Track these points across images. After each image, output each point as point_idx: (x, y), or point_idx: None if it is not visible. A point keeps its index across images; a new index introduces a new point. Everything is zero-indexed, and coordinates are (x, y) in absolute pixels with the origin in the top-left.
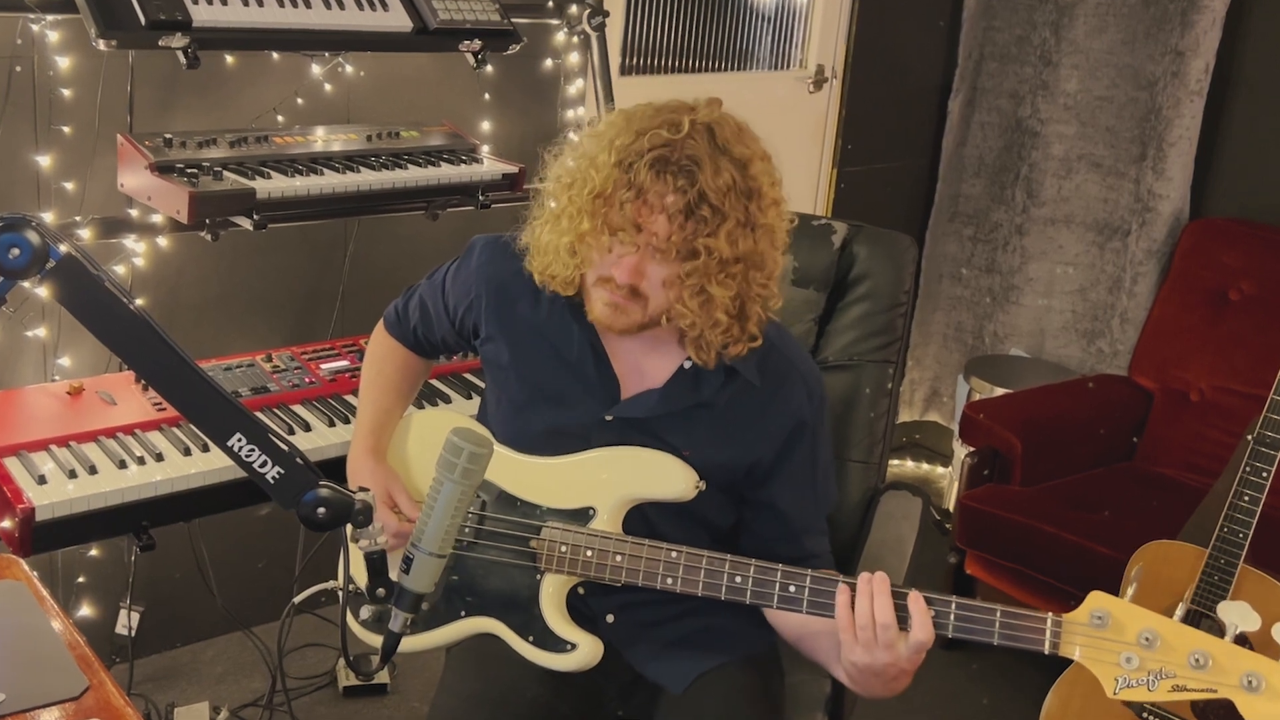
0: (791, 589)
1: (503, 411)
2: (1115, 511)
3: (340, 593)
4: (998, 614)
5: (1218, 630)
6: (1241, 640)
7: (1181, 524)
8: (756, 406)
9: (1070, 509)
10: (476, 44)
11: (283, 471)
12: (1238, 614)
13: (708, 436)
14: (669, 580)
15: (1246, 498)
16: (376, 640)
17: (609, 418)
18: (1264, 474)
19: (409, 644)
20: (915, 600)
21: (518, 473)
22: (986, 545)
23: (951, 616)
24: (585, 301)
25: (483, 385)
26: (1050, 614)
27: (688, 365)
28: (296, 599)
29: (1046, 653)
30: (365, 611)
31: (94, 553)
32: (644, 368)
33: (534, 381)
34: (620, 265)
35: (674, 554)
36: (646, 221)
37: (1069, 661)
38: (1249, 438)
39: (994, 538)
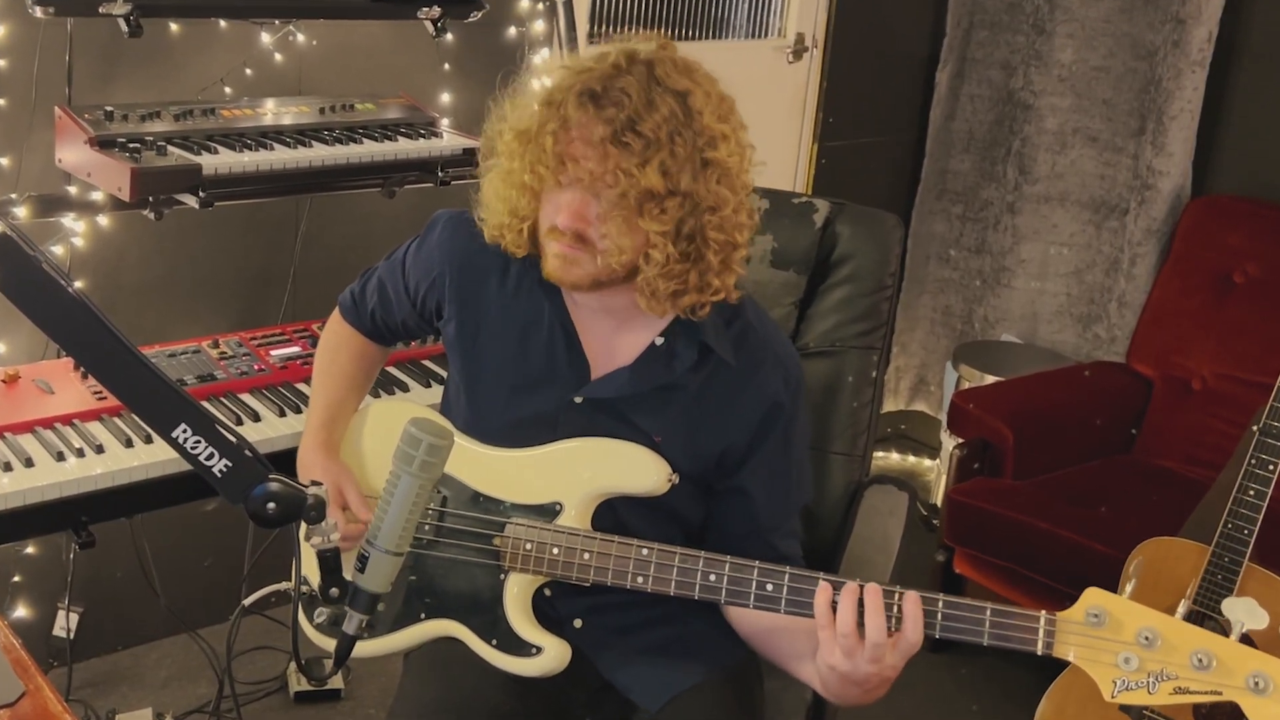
0: (769, 587)
1: (466, 397)
2: (1113, 507)
3: (292, 593)
4: (988, 612)
5: (1222, 630)
6: (1248, 640)
7: (1183, 520)
8: (731, 389)
9: (1065, 504)
10: (435, 10)
11: (230, 464)
12: (1244, 611)
13: (680, 421)
14: (640, 579)
15: (1252, 492)
16: (330, 643)
17: (578, 400)
18: (1270, 467)
19: (365, 648)
20: (911, 602)
21: (480, 466)
22: (976, 542)
23: (939, 615)
24: (541, 258)
25: (443, 374)
26: (1044, 612)
27: (659, 342)
28: (246, 600)
29: (1040, 653)
30: (319, 613)
31: (30, 550)
32: (614, 347)
33: (499, 364)
34: (562, 210)
35: (645, 551)
36: (577, 154)
37: (1063, 665)
38: (1254, 429)
39: (984, 534)
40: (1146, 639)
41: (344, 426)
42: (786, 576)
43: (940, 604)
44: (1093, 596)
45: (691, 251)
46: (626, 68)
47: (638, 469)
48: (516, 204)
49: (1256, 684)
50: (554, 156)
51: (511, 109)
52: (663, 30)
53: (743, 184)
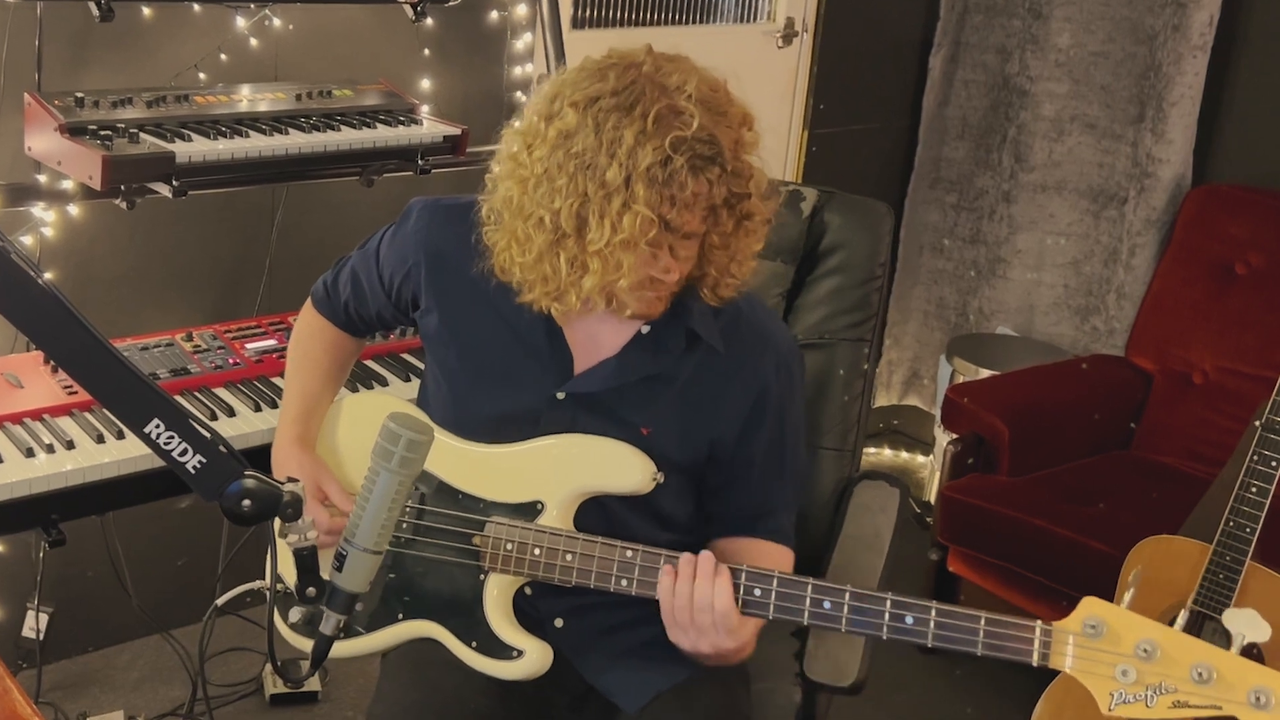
0: (756, 592)
1: (444, 393)
2: (1111, 504)
3: (268, 593)
4: (981, 622)
5: (1222, 634)
6: (1249, 651)
7: (1183, 518)
8: (721, 377)
9: (1062, 501)
10: None
11: (204, 460)
12: (1245, 623)
13: (669, 412)
14: (623, 582)
15: (1254, 489)
16: (307, 644)
17: (561, 395)
18: (1273, 463)
19: (342, 649)
20: (706, 560)
21: (460, 462)
22: (971, 540)
23: (931, 624)
24: (615, 303)
25: (422, 367)
26: (1039, 622)
27: (645, 330)
28: (220, 600)
29: (1035, 664)
30: (295, 613)
31: None
32: (598, 338)
33: (479, 358)
34: (672, 268)
35: (629, 553)
36: (688, 222)
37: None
38: (1257, 424)
39: (979, 532)
40: (1145, 651)
41: (319, 420)
42: (775, 582)
43: (932, 613)
44: (1090, 606)
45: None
46: (697, 111)
47: (622, 467)
48: (615, 270)
49: (1258, 699)
50: (677, 230)
51: (566, 165)
52: (649, 15)
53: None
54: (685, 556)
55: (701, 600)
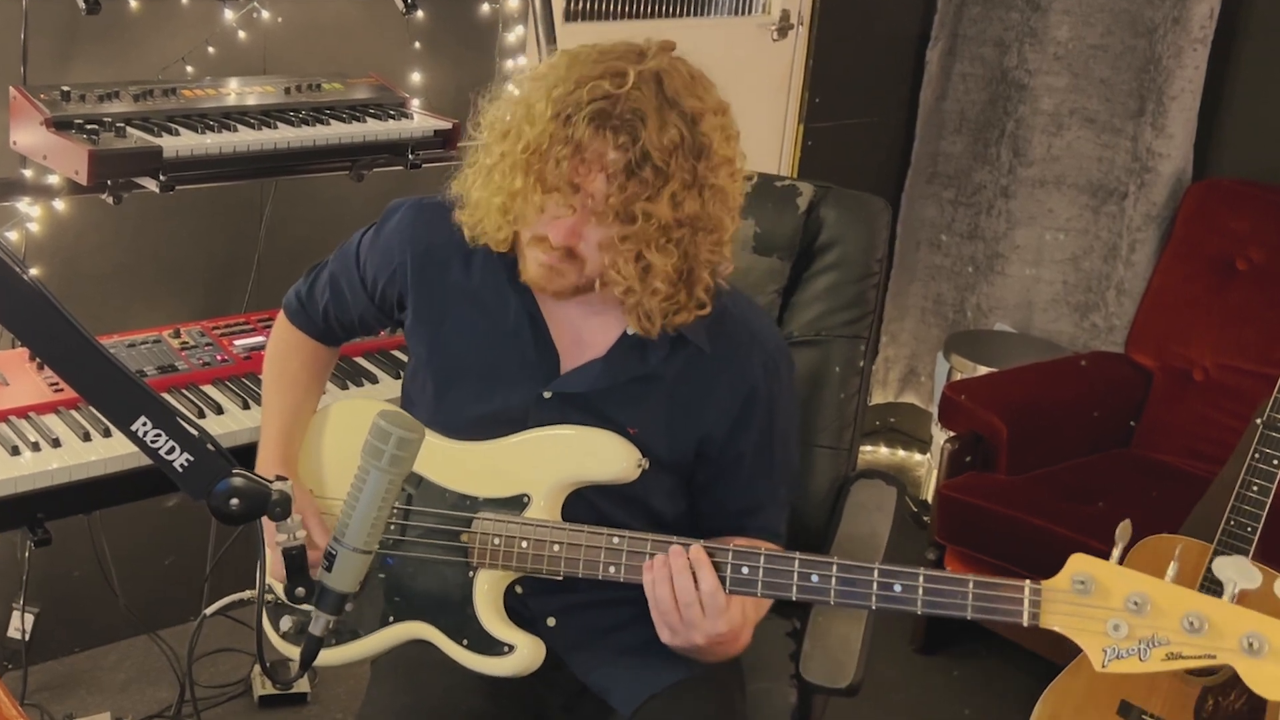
0: (744, 570)
1: (429, 392)
2: (1110, 503)
3: (256, 594)
4: (970, 584)
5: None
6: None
7: (1184, 516)
8: (708, 376)
9: (1061, 500)
10: None
11: (192, 459)
12: (1235, 570)
13: (656, 412)
14: (611, 569)
15: (1255, 488)
16: (297, 652)
17: (547, 395)
18: (1274, 461)
19: (332, 656)
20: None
21: (445, 460)
22: (968, 539)
23: (919, 591)
24: (519, 261)
25: None
26: (1028, 581)
27: (631, 331)
28: (208, 611)
29: (1025, 624)
30: (286, 622)
31: None
32: (584, 337)
33: (465, 358)
34: (555, 226)
35: (615, 539)
36: (584, 181)
37: (1058, 668)
38: (1258, 421)
39: (977, 531)
40: (1135, 604)
41: (301, 437)
42: (762, 558)
43: (920, 579)
44: (1078, 563)
45: (685, 271)
46: (636, 81)
47: (605, 455)
48: (517, 213)
49: (1250, 645)
50: (566, 182)
51: (508, 109)
52: (643, 7)
53: (737, 201)
54: (659, 558)
55: (685, 594)
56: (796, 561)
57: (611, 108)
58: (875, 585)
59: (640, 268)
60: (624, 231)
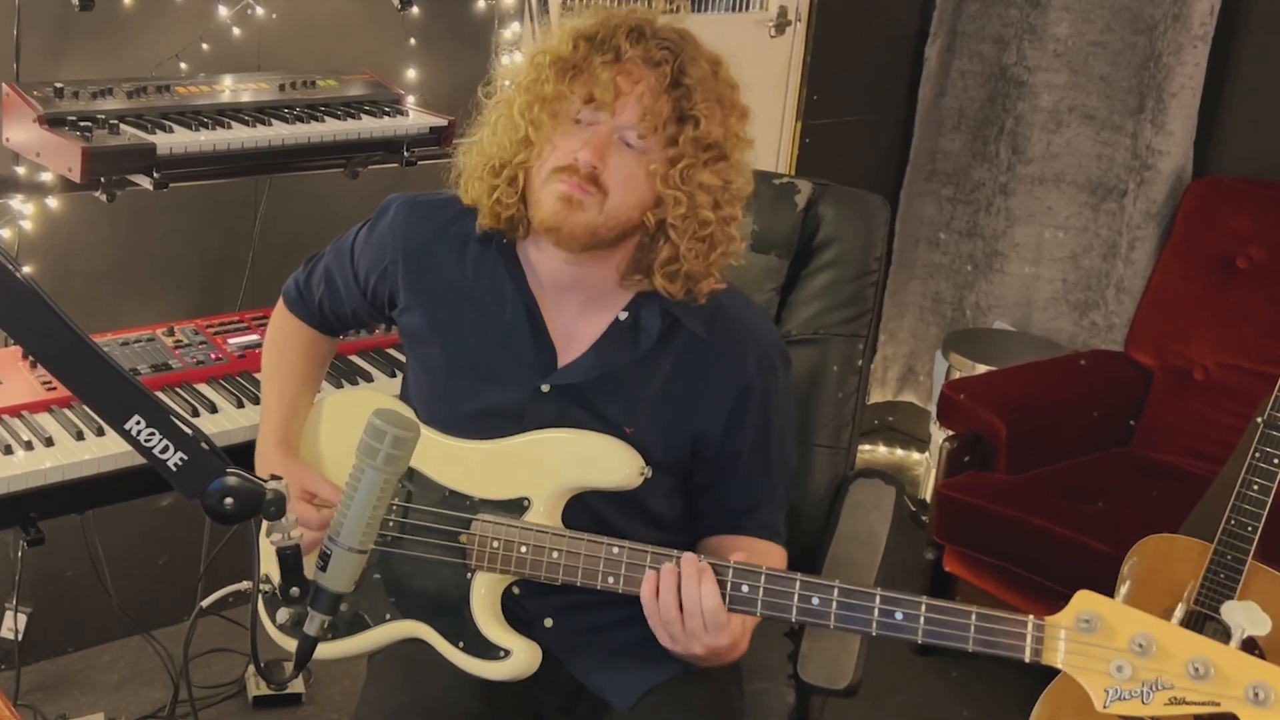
0: (745, 589)
1: (426, 389)
2: (1110, 502)
3: (251, 593)
4: (973, 617)
5: (1223, 634)
6: (1249, 646)
7: (1184, 516)
8: (704, 368)
9: (1060, 499)
10: None
11: (186, 458)
12: (1245, 616)
13: (651, 408)
14: (610, 579)
15: (1256, 487)
16: (293, 645)
17: (545, 388)
18: (1275, 460)
19: (327, 650)
20: (687, 562)
21: (446, 458)
22: (967, 539)
23: (921, 620)
24: (532, 207)
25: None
26: (1031, 617)
27: (624, 317)
28: (205, 602)
29: (1028, 660)
30: (283, 614)
31: None
32: (579, 330)
33: (460, 353)
34: (587, 143)
35: (616, 550)
36: (625, 89)
37: (1057, 670)
38: (1258, 420)
39: (976, 531)
40: (1140, 646)
41: (301, 423)
42: (763, 578)
43: (923, 608)
44: (1084, 600)
45: (714, 226)
46: (667, 21)
47: (609, 462)
48: (541, 125)
49: (1256, 694)
50: (608, 86)
51: (524, 63)
52: (640, 3)
53: (749, 170)
54: (667, 567)
55: (690, 604)
56: (798, 583)
57: (648, 30)
58: (876, 611)
59: (689, 192)
60: (676, 152)
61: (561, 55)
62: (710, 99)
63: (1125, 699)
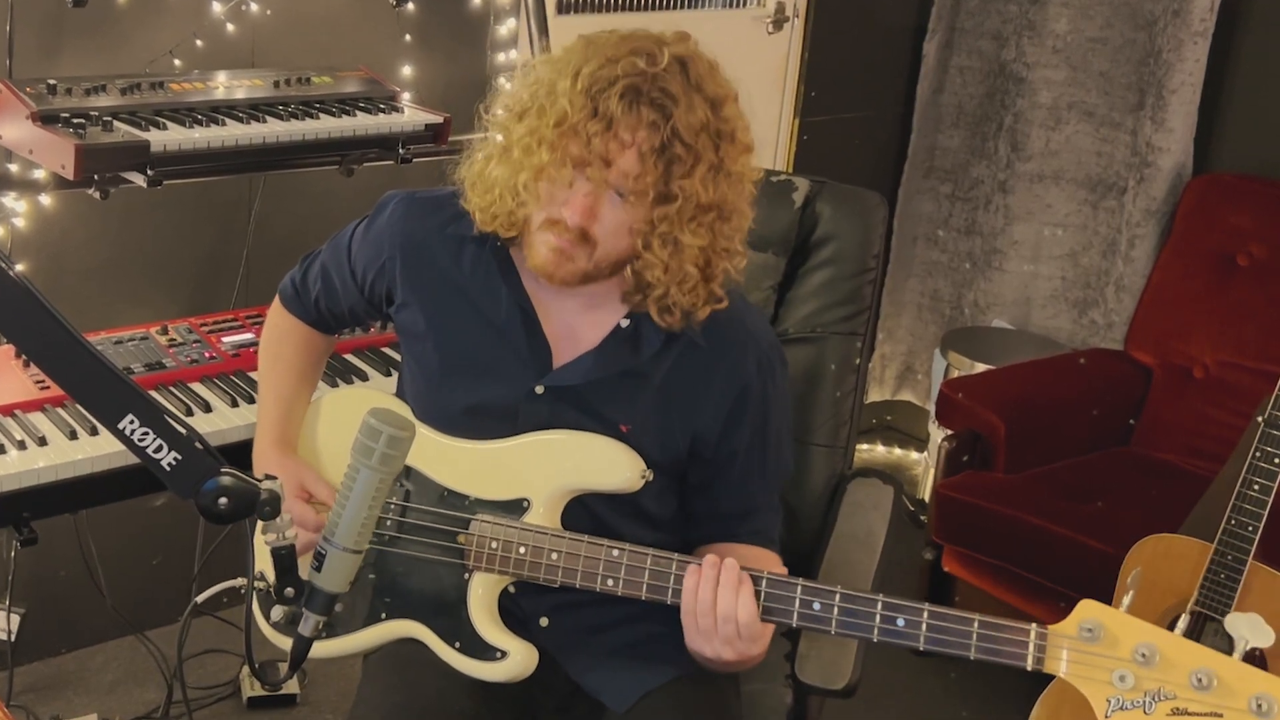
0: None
1: (420, 386)
2: (1110, 502)
3: (245, 593)
4: (975, 625)
5: (1225, 641)
6: (1252, 656)
7: (1184, 516)
8: (701, 372)
9: (1060, 499)
10: None
11: (180, 457)
12: (1248, 627)
13: (648, 409)
14: (609, 582)
15: (1256, 486)
16: (289, 644)
17: (539, 389)
18: (1276, 460)
19: (324, 649)
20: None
21: (444, 458)
22: (966, 539)
23: (923, 627)
24: (525, 248)
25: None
26: (1034, 625)
27: (625, 324)
28: (199, 598)
29: (1029, 669)
30: (278, 612)
31: None
32: (577, 331)
33: (455, 351)
34: (573, 205)
35: (615, 552)
36: (615, 156)
37: None
38: (1259, 419)
39: (975, 531)
40: (1143, 656)
41: (298, 422)
42: (764, 583)
43: (925, 615)
44: (1087, 609)
45: (708, 265)
46: (663, 64)
47: (611, 465)
48: (535, 193)
49: (1260, 706)
50: (597, 156)
51: (526, 89)
52: (636, 0)
53: (751, 193)
54: (709, 559)
55: (726, 610)
56: (799, 588)
57: (643, 85)
58: (878, 618)
59: (672, 251)
60: (659, 213)
61: (557, 119)
62: (702, 153)
63: (1127, 709)
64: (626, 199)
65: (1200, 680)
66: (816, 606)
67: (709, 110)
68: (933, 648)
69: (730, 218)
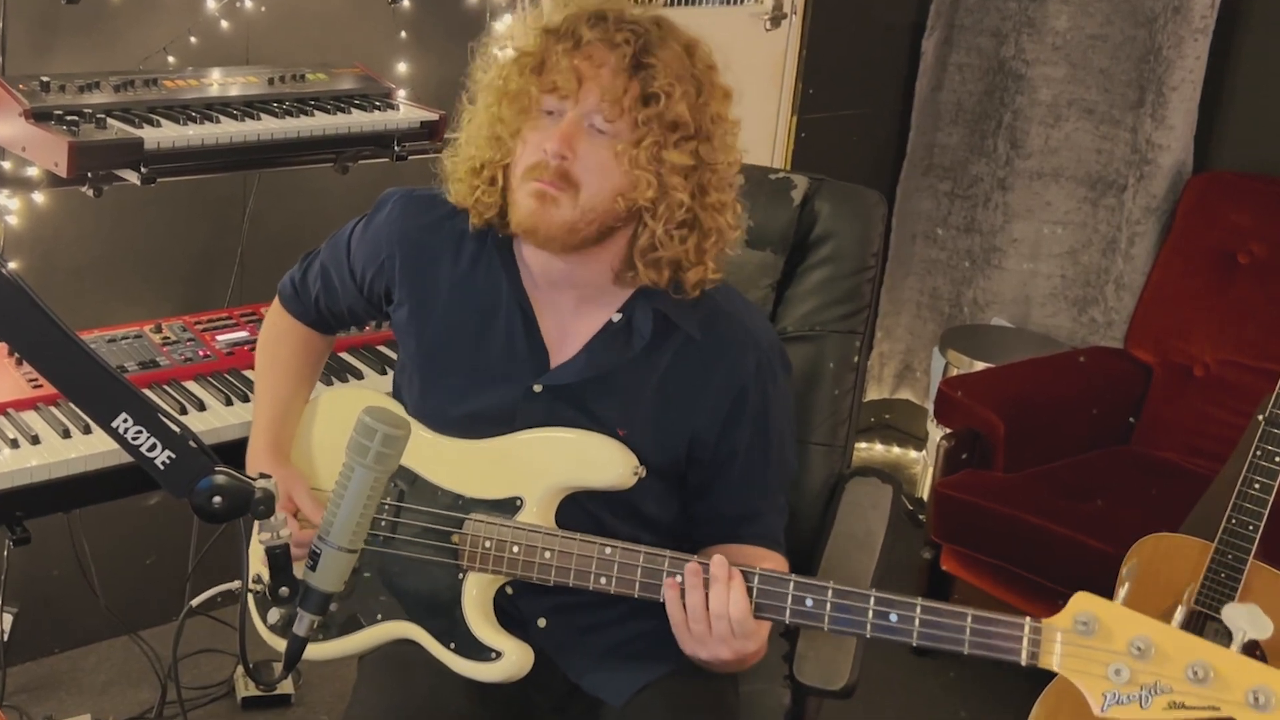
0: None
1: (417, 386)
2: (1110, 501)
3: (240, 593)
4: (968, 619)
5: (1224, 637)
6: (1251, 649)
7: (1184, 515)
8: (698, 371)
9: (1059, 498)
10: None
11: (174, 456)
12: (1246, 618)
13: (645, 411)
14: (602, 580)
15: (1257, 485)
16: (283, 645)
17: (537, 389)
18: (1276, 459)
19: (317, 651)
20: (718, 565)
21: (438, 457)
22: (965, 538)
23: (916, 621)
24: (510, 211)
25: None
26: (1028, 619)
27: (617, 318)
28: (194, 601)
29: (1024, 663)
30: (274, 614)
31: None
32: (572, 330)
33: (454, 351)
34: (552, 134)
35: (608, 550)
36: (587, 75)
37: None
38: (1259, 418)
39: (973, 530)
40: (1139, 649)
41: (294, 425)
42: (756, 579)
43: (918, 610)
44: (1082, 602)
45: (695, 218)
46: (635, 10)
47: (602, 461)
48: (508, 123)
49: (1257, 699)
50: (568, 73)
51: (499, 46)
52: None
53: (734, 153)
54: (691, 566)
55: (718, 608)
56: (791, 584)
57: (611, 13)
58: (871, 613)
59: (657, 171)
60: (638, 133)
61: (523, 49)
62: (679, 78)
63: (1123, 703)
64: (605, 130)
65: (1197, 673)
66: (809, 603)
67: (683, 51)
68: (926, 643)
69: (712, 169)
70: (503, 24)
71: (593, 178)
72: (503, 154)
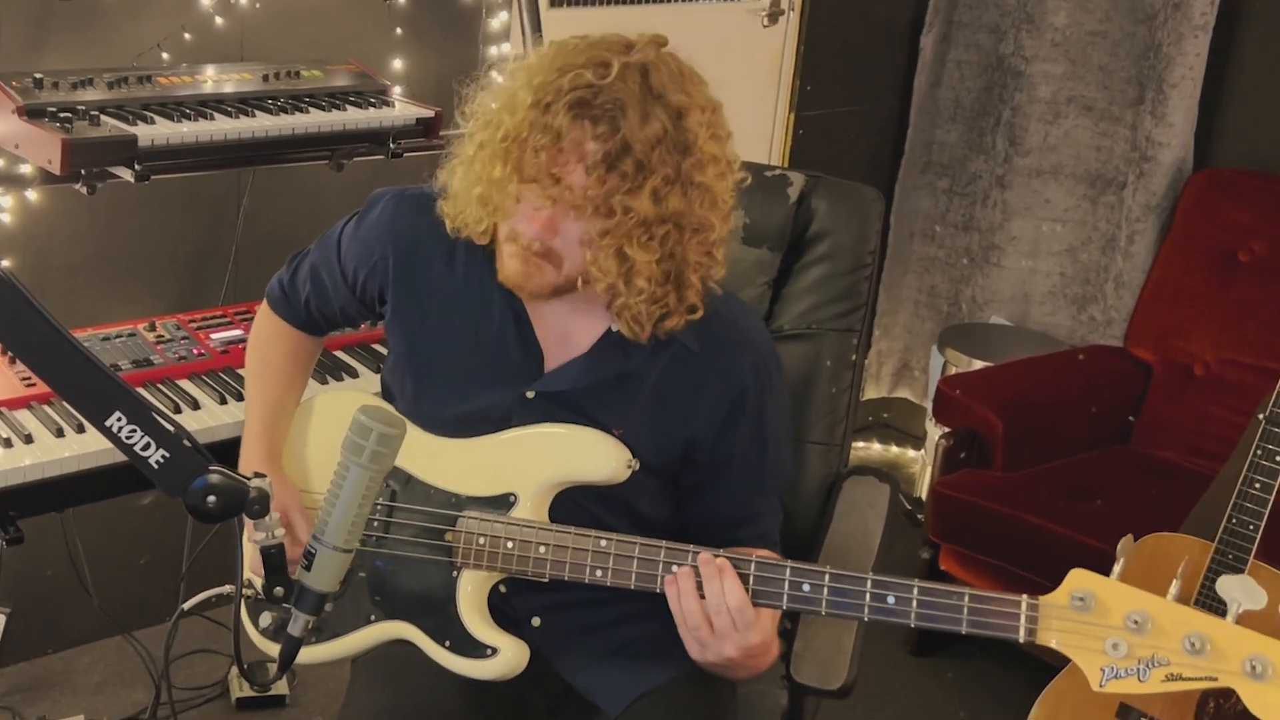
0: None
1: (410, 388)
2: (1109, 500)
3: (234, 593)
4: (965, 598)
5: (1219, 612)
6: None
7: (1184, 514)
8: (695, 376)
9: (1058, 497)
10: None
11: (168, 455)
12: (1240, 590)
13: (641, 412)
14: (598, 573)
15: (1257, 485)
16: (277, 647)
17: (530, 394)
18: (1277, 458)
19: (312, 654)
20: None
21: (430, 456)
22: (963, 538)
23: (913, 604)
24: (497, 258)
25: None
26: (1025, 596)
27: (615, 328)
28: (186, 605)
29: (1022, 640)
30: (266, 618)
31: None
32: (569, 334)
33: (446, 355)
34: (531, 220)
35: (603, 542)
36: (562, 172)
37: (1055, 671)
38: (1260, 417)
39: (972, 529)
40: (1136, 623)
41: (285, 429)
42: (753, 566)
43: (915, 591)
44: (1078, 578)
45: (673, 273)
46: (620, 72)
47: (594, 455)
48: (496, 205)
49: (1254, 668)
50: (544, 172)
51: (493, 97)
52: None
53: (726, 202)
54: (684, 570)
55: (714, 602)
56: (788, 570)
57: (592, 97)
58: (868, 596)
59: (622, 265)
60: (604, 226)
61: (508, 132)
62: (654, 171)
63: (1121, 677)
64: (577, 213)
65: (1193, 644)
66: (806, 588)
67: (669, 120)
68: (924, 624)
69: (699, 229)
70: (500, 21)
71: (574, 251)
72: (490, 213)
